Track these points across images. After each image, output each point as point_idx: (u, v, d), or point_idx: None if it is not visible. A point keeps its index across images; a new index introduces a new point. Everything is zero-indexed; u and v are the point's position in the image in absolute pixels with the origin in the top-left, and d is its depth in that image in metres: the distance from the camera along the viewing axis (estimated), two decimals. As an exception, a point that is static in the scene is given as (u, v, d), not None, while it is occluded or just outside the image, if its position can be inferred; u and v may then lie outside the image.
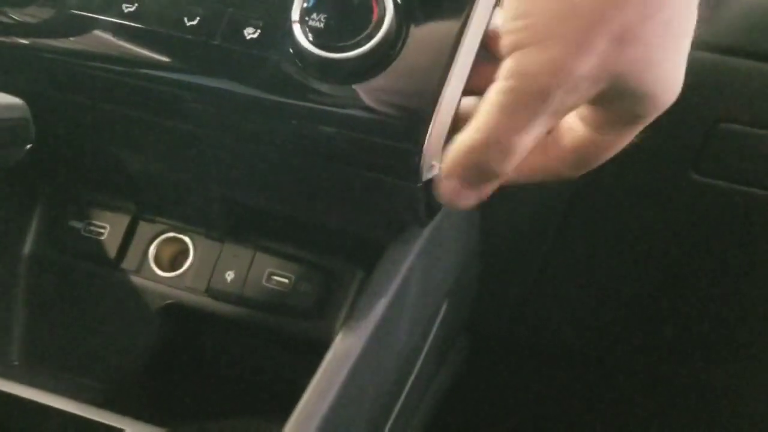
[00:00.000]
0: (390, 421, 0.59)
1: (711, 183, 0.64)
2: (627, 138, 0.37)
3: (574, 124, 0.38)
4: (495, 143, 0.33)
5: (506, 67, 0.32)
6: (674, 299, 0.80)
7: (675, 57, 0.33)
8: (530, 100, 0.32)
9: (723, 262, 0.72)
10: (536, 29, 0.31)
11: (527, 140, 0.33)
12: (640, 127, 0.36)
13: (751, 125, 0.59)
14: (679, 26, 0.32)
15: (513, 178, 0.38)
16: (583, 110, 0.37)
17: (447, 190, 0.37)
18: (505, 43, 0.32)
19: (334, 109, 0.43)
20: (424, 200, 0.45)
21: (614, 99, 0.33)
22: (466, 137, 0.35)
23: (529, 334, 0.92)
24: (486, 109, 0.33)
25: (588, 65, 0.30)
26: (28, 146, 0.49)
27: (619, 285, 0.80)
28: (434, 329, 0.66)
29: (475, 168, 0.35)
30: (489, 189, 0.36)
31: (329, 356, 0.43)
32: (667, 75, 0.33)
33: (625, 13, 0.30)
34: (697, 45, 0.35)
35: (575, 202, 0.71)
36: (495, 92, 0.33)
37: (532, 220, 0.75)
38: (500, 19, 0.33)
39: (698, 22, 0.34)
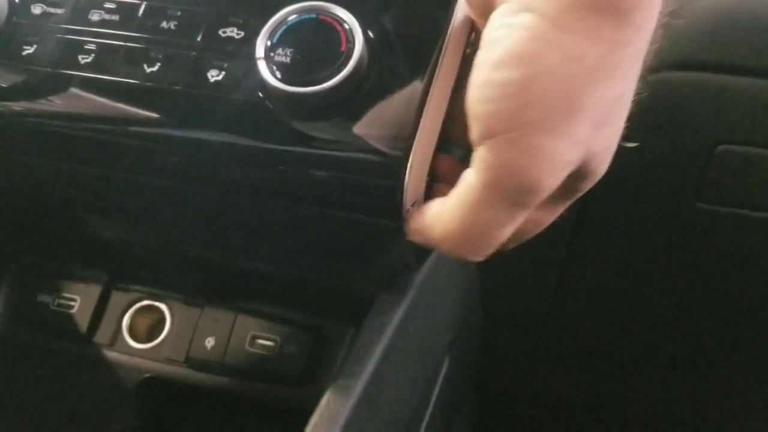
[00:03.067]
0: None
1: (716, 210, 0.60)
2: (559, 212, 0.35)
3: None
4: (471, 240, 0.31)
5: (482, 158, 0.29)
6: (690, 340, 0.75)
7: (621, 132, 0.31)
8: (515, 195, 0.29)
9: (736, 295, 0.68)
10: (511, 114, 0.27)
11: (508, 232, 0.31)
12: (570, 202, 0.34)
13: (751, 145, 0.56)
14: (629, 101, 0.30)
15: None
16: None
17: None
18: (475, 129, 0.29)
19: (307, 149, 0.40)
20: (411, 241, 0.41)
21: (572, 179, 0.30)
22: (441, 226, 0.32)
23: (543, 390, 0.87)
24: (463, 201, 0.30)
25: (575, 152, 0.28)
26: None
27: (631, 327, 0.76)
28: (437, 389, 0.61)
29: (449, 252, 0.33)
30: None
31: (312, 424, 0.38)
32: (614, 150, 0.31)
33: (601, 95, 0.27)
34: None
35: (576, 246, 0.68)
36: (470, 186, 0.30)
37: (533, 264, 0.71)
38: (467, 101, 0.29)
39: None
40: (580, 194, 0.33)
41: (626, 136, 0.33)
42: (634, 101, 0.31)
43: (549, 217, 0.35)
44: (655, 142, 0.57)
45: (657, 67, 0.53)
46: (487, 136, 0.28)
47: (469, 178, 0.30)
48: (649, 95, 0.55)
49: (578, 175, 0.30)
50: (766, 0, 0.56)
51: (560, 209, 0.35)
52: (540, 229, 0.36)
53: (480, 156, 0.29)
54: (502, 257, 0.69)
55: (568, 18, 0.26)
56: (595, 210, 0.63)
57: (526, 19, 0.27)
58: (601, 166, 0.31)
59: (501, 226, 0.30)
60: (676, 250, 0.66)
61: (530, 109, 0.27)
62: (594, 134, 0.28)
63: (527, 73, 0.27)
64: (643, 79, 0.31)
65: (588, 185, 0.32)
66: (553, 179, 0.28)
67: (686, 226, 0.63)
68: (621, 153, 0.34)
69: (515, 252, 0.70)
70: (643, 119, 0.55)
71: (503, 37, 0.27)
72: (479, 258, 0.32)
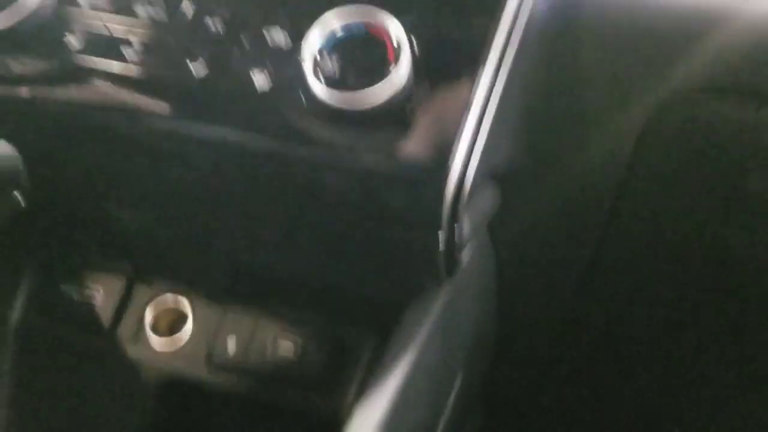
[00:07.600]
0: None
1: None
2: None
3: None
4: None
5: None
6: (712, 356, 0.75)
7: None
8: None
9: (764, 312, 0.67)
10: None
11: None
12: None
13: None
14: None
15: None
16: None
17: None
18: None
19: (348, 158, 0.40)
20: (445, 253, 0.41)
21: None
22: None
23: (551, 401, 0.87)
24: None
25: None
26: (21, 202, 0.45)
27: (648, 343, 0.75)
28: (450, 404, 0.61)
29: None
30: None
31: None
32: None
33: None
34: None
35: (597, 258, 0.67)
36: None
37: (549, 285, 0.71)
38: None
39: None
40: None
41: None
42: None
43: None
44: (688, 163, 0.56)
45: (688, 90, 0.52)
46: None
47: None
48: (682, 117, 0.54)
49: None
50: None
51: None
52: None
53: None
54: (520, 266, 0.69)
55: None
56: (619, 229, 0.63)
57: None
58: None
59: None
60: (700, 267, 0.65)
61: None
62: None
63: None
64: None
65: None
66: None
67: (710, 248, 0.62)
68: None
69: (532, 262, 0.69)
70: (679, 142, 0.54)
71: None
72: None
